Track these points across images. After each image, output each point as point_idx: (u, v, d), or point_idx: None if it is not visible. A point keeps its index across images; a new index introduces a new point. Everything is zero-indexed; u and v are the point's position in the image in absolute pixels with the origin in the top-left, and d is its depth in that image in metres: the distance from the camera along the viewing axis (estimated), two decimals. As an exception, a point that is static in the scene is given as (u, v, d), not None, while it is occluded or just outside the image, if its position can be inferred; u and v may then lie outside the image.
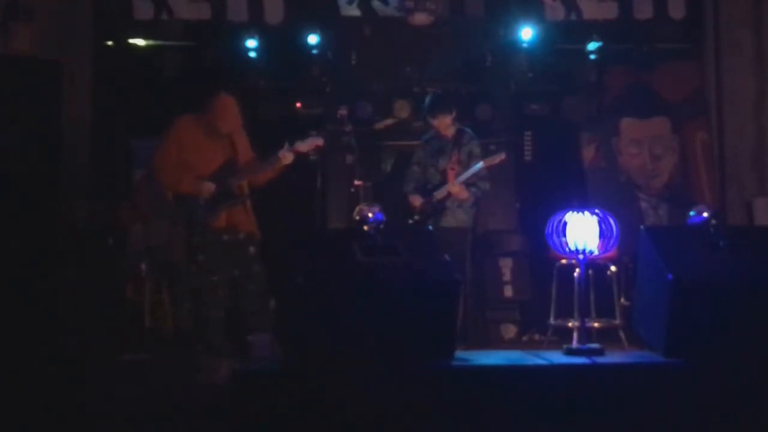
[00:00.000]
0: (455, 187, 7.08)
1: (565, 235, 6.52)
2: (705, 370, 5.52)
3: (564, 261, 6.71)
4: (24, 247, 6.04)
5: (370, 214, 7.07)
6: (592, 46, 9.05)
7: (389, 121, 9.30)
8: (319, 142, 6.77)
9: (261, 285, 6.52)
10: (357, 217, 7.18)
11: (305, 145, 6.72)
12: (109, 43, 9.03)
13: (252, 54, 9.01)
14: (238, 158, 6.61)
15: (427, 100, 7.49)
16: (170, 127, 6.59)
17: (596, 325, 6.76)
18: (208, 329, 6.55)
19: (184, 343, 7.76)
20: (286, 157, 6.60)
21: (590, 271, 6.57)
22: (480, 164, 7.09)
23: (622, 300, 7.14)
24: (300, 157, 6.80)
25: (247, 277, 6.54)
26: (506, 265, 8.47)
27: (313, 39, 8.92)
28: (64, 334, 6.49)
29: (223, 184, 6.49)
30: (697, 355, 5.63)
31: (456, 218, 7.15)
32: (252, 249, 6.56)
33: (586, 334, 6.33)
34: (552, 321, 6.92)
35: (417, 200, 7.25)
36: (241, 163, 6.61)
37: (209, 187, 6.45)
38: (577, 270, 6.41)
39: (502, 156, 7.13)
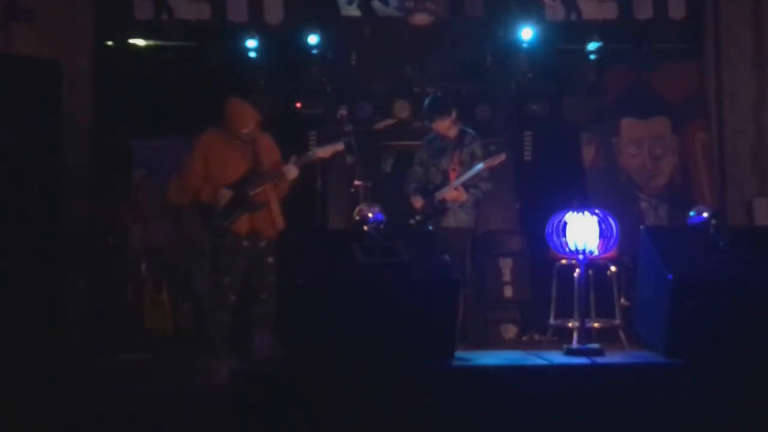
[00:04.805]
0: (453, 192, 7.05)
1: (565, 235, 6.52)
2: (705, 370, 5.53)
3: (564, 261, 6.70)
4: (24, 247, 6.03)
5: (370, 214, 7.07)
6: (592, 46, 9.05)
7: (389, 122, 9.30)
8: (340, 147, 6.76)
9: (273, 294, 6.50)
10: (357, 217, 7.18)
11: (326, 151, 6.71)
12: (109, 43, 9.03)
13: (252, 54, 9.02)
14: (262, 165, 6.58)
15: (425, 103, 7.47)
16: (196, 142, 6.57)
17: (596, 325, 6.75)
18: (211, 330, 6.54)
19: (184, 343, 7.78)
20: (305, 160, 6.60)
21: (590, 271, 6.57)
22: (480, 165, 7.08)
23: (622, 300, 7.14)
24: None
25: (261, 286, 6.51)
26: (506, 265, 8.47)
27: (313, 39, 8.93)
28: (64, 333, 6.49)
29: (241, 191, 6.46)
30: (697, 355, 5.63)
31: (457, 218, 7.14)
32: (271, 259, 6.52)
33: (586, 334, 6.33)
34: (552, 321, 6.91)
35: (418, 201, 7.23)
36: (264, 170, 6.58)
37: (225, 194, 6.42)
38: (577, 270, 6.41)
39: (502, 157, 7.12)
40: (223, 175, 6.48)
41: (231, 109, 6.56)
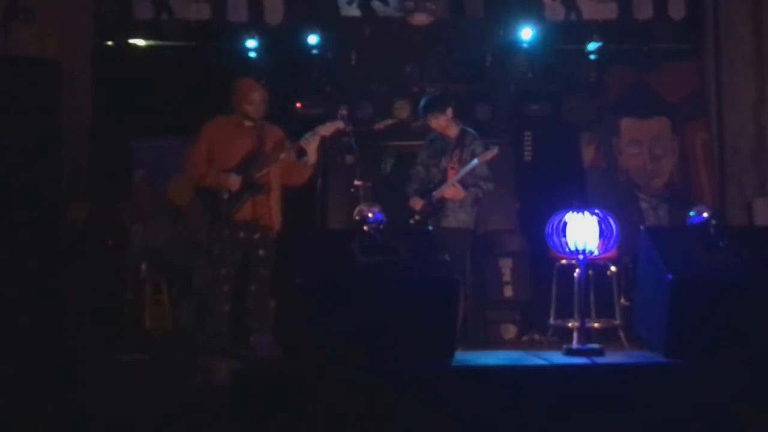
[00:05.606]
0: (450, 189, 7.05)
1: (565, 235, 6.52)
2: (705, 370, 5.52)
3: (564, 261, 6.71)
4: (24, 247, 6.03)
5: (370, 214, 7.08)
6: (592, 46, 9.06)
7: (389, 122, 9.31)
8: (340, 125, 6.77)
9: (264, 288, 6.51)
10: (357, 217, 7.18)
11: (327, 129, 6.72)
12: (109, 43, 9.03)
13: (252, 54, 9.02)
14: (265, 148, 6.59)
15: (420, 103, 7.47)
16: (202, 128, 6.64)
17: (596, 325, 6.76)
18: (211, 323, 6.55)
19: (184, 343, 7.77)
20: (309, 142, 6.60)
21: (590, 271, 6.57)
22: (474, 161, 7.06)
23: (622, 300, 7.15)
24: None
25: (253, 278, 6.53)
26: (506, 265, 8.48)
27: (313, 39, 8.94)
28: (63, 333, 6.48)
29: (246, 174, 6.49)
30: (697, 355, 5.63)
31: (457, 218, 7.14)
32: (261, 252, 6.54)
33: (586, 334, 6.33)
34: (552, 321, 6.92)
35: (417, 203, 7.22)
36: (268, 151, 6.60)
37: (236, 180, 6.46)
38: (577, 270, 6.40)
39: (495, 151, 7.08)
40: (227, 158, 6.51)
41: (239, 86, 6.65)
